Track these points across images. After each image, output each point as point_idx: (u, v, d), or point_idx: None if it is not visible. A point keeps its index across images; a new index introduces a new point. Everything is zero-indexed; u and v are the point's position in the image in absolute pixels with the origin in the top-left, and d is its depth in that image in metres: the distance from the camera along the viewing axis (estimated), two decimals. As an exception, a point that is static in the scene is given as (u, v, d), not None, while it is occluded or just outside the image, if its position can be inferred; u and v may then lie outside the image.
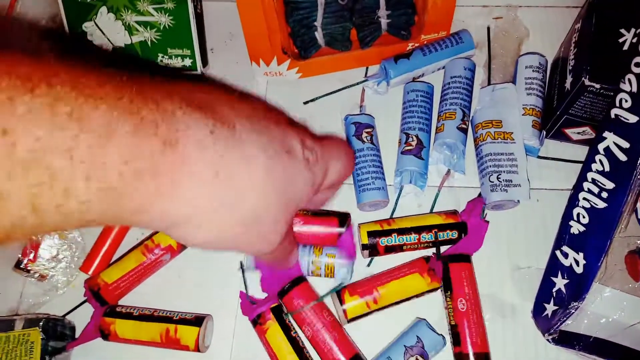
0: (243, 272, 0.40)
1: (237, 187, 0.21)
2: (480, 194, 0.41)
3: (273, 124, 0.24)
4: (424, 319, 0.38)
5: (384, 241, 0.39)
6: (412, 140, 0.42)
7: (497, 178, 0.40)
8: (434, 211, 0.42)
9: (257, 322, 0.38)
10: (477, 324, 0.36)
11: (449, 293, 0.38)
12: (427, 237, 0.39)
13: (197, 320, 0.38)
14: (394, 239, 0.39)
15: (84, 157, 0.16)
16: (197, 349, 0.37)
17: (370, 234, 0.39)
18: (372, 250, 0.39)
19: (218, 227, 0.22)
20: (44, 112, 0.16)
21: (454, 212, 0.40)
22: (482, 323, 0.37)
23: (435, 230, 0.39)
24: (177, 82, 0.22)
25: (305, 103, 0.46)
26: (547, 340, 0.36)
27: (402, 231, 0.39)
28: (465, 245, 0.39)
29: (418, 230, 0.39)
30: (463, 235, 0.40)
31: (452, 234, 0.39)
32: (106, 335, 0.38)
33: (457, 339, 0.37)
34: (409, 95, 0.44)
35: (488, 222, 0.40)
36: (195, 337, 0.37)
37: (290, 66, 0.45)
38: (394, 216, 0.42)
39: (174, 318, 0.38)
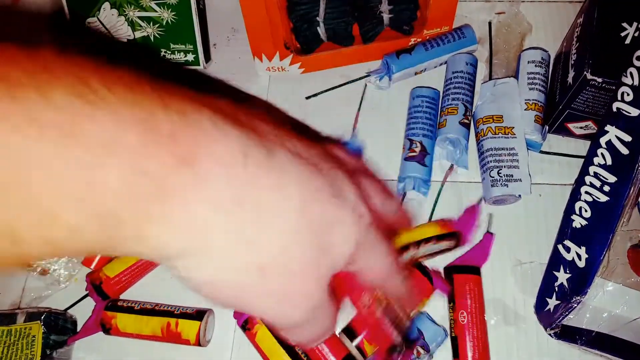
0: None
1: (264, 223, 0.17)
2: (478, 201, 0.41)
3: (322, 161, 0.20)
4: (425, 312, 0.38)
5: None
6: (416, 147, 0.42)
7: (498, 173, 0.40)
8: (430, 219, 0.41)
9: (245, 327, 0.37)
10: (478, 338, 0.36)
11: (451, 304, 0.38)
12: (424, 250, 0.38)
13: (198, 315, 0.38)
14: None
15: (74, 173, 0.14)
16: (198, 342, 0.37)
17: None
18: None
19: (231, 266, 0.17)
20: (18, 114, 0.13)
21: (449, 221, 0.40)
22: (484, 337, 0.36)
23: (434, 241, 0.38)
24: (216, 96, 0.18)
25: (307, 98, 0.46)
26: (550, 335, 0.36)
27: (402, 249, 0.37)
28: (471, 258, 0.39)
29: (417, 244, 0.38)
30: (459, 243, 0.39)
31: (450, 244, 0.39)
32: (107, 329, 0.38)
33: (456, 352, 0.36)
34: (414, 100, 0.43)
35: (493, 234, 0.40)
36: (196, 331, 0.37)
37: (292, 61, 0.45)
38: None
39: (175, 312, 0.38)
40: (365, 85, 0.46)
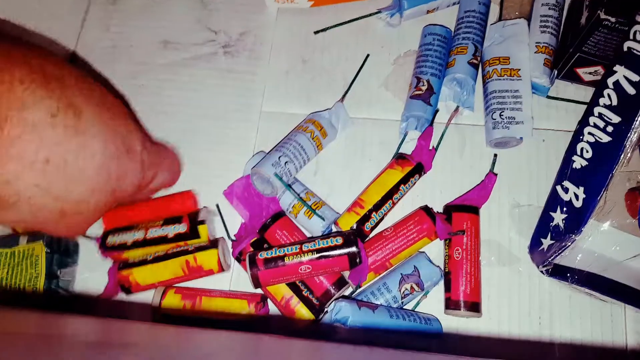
0: (221, 215, 0.41)
1: (67, 178, 0.22)
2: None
3: (121, 117, 0.25)
4: (423, 252, 0.39)
5: (368, 226, 0.38)
6: (423, 85, 0.41)
7: (500, 115, 0.40)
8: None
9: (240, 259, 0.38)
10: (470, 274, 0.37)
11: (447, 241, 0.38)
12: (398, 196, 0.39)
13: (212, 244, 0.38)
14: (375, 218, 0.38)
15: None
16: (222, 269, 0.38)
17: (350, 230, 0.38)
18: (363, 238, 0.38)
19: (38, 209, 0.22)
20: None
21: (405, 159, 0.40)
22: (477, 273, 0.37)
23: (402, 185, 0.39)
24: (30, 46, 0.21)
25: (315, 33, 0.46)
26: (541, 272, 0.37)
27: (377, 207, 0.38)
28: (472, 197, 0.40)
29: (389, 195, 0.38)
30: (423, 172, 0.40)
31: (416, 179, 0.40)
32: (127, 288, 0.38)
33: (448, 286, 0.37)
34: (425, 38, 0.43)
35: (496, 174, 0.40)
36: (216, 259, 0.38)
37: (302, -7, 0.45)
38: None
39: (189, 250, 0.38)
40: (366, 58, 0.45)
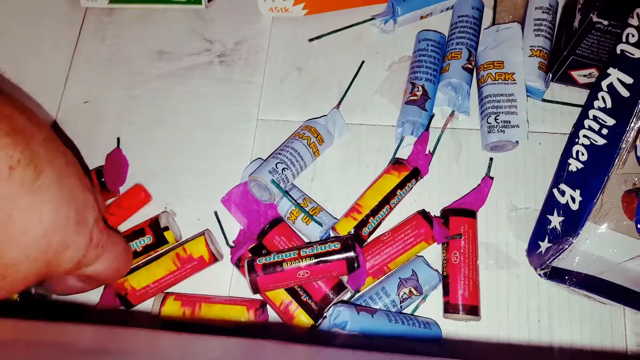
0: (219, 222, 0.41)
1: (5, 237, 0.20)
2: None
3: (81, 188, 0.23)
4: (422, 256, 0.39)
5: (366, 231, 0.38)
6: (418, 91, 0.42)
7: (495, 119, 0.40)
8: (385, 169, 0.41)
9: (238, 265, 0.38)
10: (469, 277, 0.37)
11: (445, 245, 0.38)
12: (395, 201, 0.39)
13: (199, 234, 0.39)
14: (373, 223, 0.38)
15: None
16: (213, 257, 0.38)
17: (348, 235, 0.38)
18: (361, 243, 0.38)
19: None
20: None
21: (401, 163, 0.40)
22: (475, 277, 0.37)
23: (399, 189, 0.39)
24: (4, 96, 0.20)
25: (310, 40, 0.46)
26: (539, 275, 0.37)
27: (374, 212, 0.38)
28: (468, 201, 0.40)
29: (386, 200, 0.39)
30: (419, 177, 0.40)
31: (413, 183, 0.40)
32: (124, 296, 0.38)
33: (446, 290, 0.37)
34: (420, 44, 0.43)
35: (492, 178, 0.41)
36: (204, 244, 0.38)
37: (296, 1, 0.45)
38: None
39: (177, 241, 0.40)
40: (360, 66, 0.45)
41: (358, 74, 0.45)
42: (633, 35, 0.32)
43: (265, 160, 0.40)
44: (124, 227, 0.41)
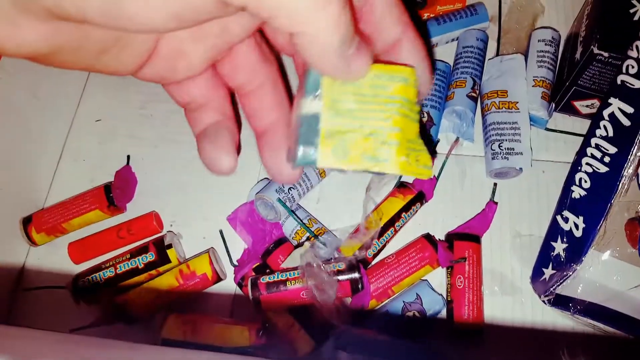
0: (224, 240, 0.41)
1: None
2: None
3: None
4: (426, 280, 0.39)
5: (370, 253, 0.39)
6: (423, 117, 0.43)
7: (499, 146, 0.41)
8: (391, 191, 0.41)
9: (242, 284, 0.38)
10: (473, 302, 0.37)
11: (449, 269, 0.38)
12: (400, 223, 0.40)
13: (203, 252, 0.39)
14: (378, 245, 0.39)
15: None
16: (216, 275, 0.38)
17: (352, 257, 0.38)
18: (365, 265, 0.39)
19: None
20: None
21: (406, 187, 0.40)
22: (480, 302, 0.37)
23: (404, 212, 0.40)
24: None
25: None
26: (543, 301, 0.37)
27: (380, 233, 0.39)
28: (473, 226, 0.40)
29: (391, 223, 0.39)
30: (424, 201, 0.40)
31: (418, 207, 0.40)
32: (125, 311, 0.38)
33: (450, 314, 0.37)
34: None
35: (496, 203, 0.41)
36: (207, 261, 0.38)
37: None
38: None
39: (180, 262, 0.40)
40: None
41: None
42: (633, 67, 0.33)
43: (271, 180, 0.41)
44: (128, 247, 0.42)
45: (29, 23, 0.14)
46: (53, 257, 0.43)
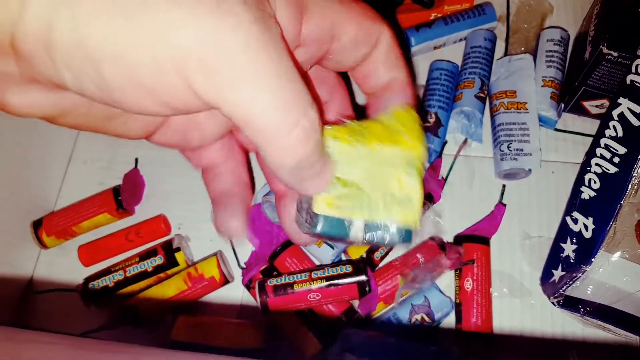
0: (232, 243, 0.41)
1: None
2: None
3: None
4: (434, 282, 0.39)
5: (378, 255, 0.39)
6: (431, 118, 0.42)
7: (508, 147, 0.40)
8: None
9: (249, 286, 0.39)
10: (482, 305, 0.37)
11: (457, 272, 0.38)
12: None
13: (211, 255, 0.40)
14: (385, 247, 0.39)
15: None
16: (224, 278, 0.38)
17: (360, 259, 0.38)
18: (373, 268, 0.39)
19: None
20: None
21: None
22: (488, 305, 0.37)
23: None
24: None
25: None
26: (553, 303, 0.37)
27: None
28: (481, 227, 0.40)
29: None
30: (432, 203, 0.40)
31: (426, 208, 0.40)
32: (134, 314, 0.38)
33: (459, 317, 0.37)
34: (432, 73, 0.44)
35: (505, 205, 0.41)
36: (215, 264, 0.38)
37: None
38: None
39: (188, 264, 0.40)
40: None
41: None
42: (643, 66, 0.33)
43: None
44: (137, 250, 0.42)
45: (36, 91, 0.15)
46: (63, 259, 0.43)
